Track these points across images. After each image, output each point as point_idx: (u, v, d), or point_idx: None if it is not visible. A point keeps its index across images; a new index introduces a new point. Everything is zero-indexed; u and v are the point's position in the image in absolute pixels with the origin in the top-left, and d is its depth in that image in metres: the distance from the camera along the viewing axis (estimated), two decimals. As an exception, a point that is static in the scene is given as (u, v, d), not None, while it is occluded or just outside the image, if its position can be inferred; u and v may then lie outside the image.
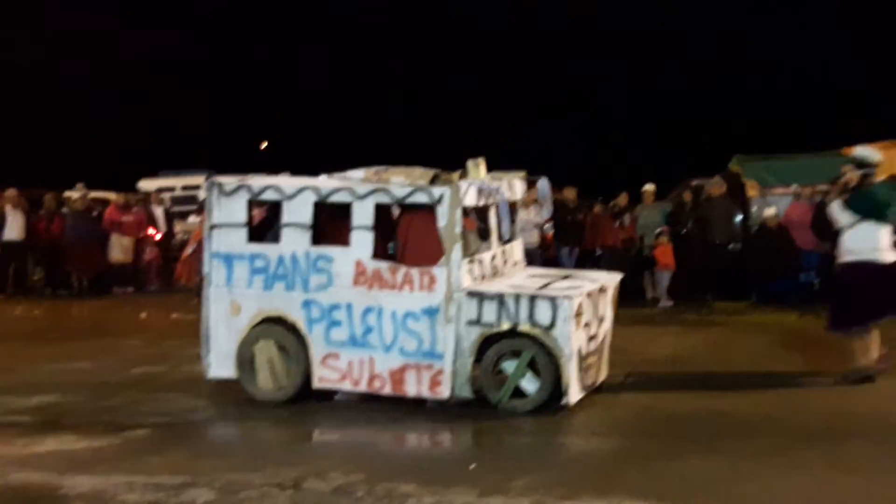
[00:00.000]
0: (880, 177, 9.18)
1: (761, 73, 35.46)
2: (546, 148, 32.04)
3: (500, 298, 8.00)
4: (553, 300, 7.88)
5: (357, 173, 8.71)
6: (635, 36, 36.92)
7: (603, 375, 8.87)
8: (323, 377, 8.36)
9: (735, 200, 15.30)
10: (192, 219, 18.92)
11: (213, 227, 8.61)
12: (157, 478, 6.40)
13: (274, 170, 12.21)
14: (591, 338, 8.38)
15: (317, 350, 8.34)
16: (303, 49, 40.05)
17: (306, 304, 8.36)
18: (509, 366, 8.02)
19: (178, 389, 9.12)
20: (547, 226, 15.77)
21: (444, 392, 8.10)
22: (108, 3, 37.65)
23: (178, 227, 19.24)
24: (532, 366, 7.97)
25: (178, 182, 21.57)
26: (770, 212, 14.50)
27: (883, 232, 8.86)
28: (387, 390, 8.24)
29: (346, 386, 8.36)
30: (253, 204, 8.70)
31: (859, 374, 8.87)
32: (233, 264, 8.54)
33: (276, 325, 8.46)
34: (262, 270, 8.47)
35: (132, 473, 6.51)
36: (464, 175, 8.67)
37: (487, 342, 8.05)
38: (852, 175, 8.98)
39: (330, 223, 8.58)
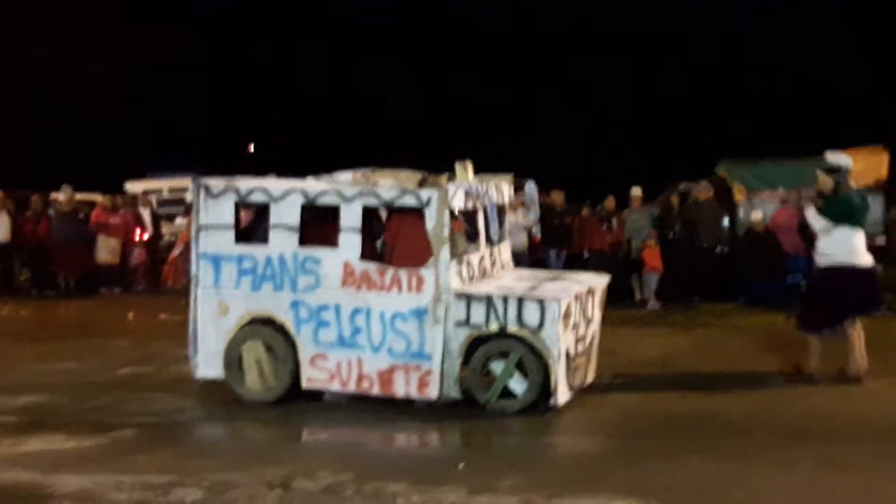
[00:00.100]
0: (865, 181, 9.26)
1: (761, 73, 35.45)
2: (536, 151, 31.97)
3: (488, 300, 8.02)
4: (541, 302, 7.91)
5: (344, 175, 8.72)
6: (635, 36, 36.86)
7: (591, 376, 8.92)
8: (311, 378, 8.37)
9: (722, 204, 15.40)
10: (180, 220, 18.90)
11: (200, 228, 8.60)
12: (145, 477, 6.39)
13: (261, 172, 12.18)
14: (580, 339, 8.41)
15: (305, 351, 8.34)
16: (302, 49, 39.86)
17: (294, 305, 8.36)
18: (497, 367, 8.05)
19: (166, 390, 9.10)
20: (534, 228, 15.83)
21: (432, 393, 8.11)
22: (108, 4, 37.41)
23: (166, 229, 19.16)
24: (520, 367, 7.99)
25: (164, 184, 21.48)
26: (757, 215, 14.61)
27: (857, 236, 8.96)
28: (375, 391, 8.25)
29: (335, 386, 8.36)
30: (240, 206, 8.71)
31: (844, 376, 8.98)
32: (220, 265, 8.53)
33: (264, 326, 8.46)
34: (250, 271, 8.47)
35: (120, 473, 6.50)
36: (451, 178, 8.69)
37: (476, 343, 8.07)
38: (825, 181, 9.08)
39: (318, 225, 8.57)
